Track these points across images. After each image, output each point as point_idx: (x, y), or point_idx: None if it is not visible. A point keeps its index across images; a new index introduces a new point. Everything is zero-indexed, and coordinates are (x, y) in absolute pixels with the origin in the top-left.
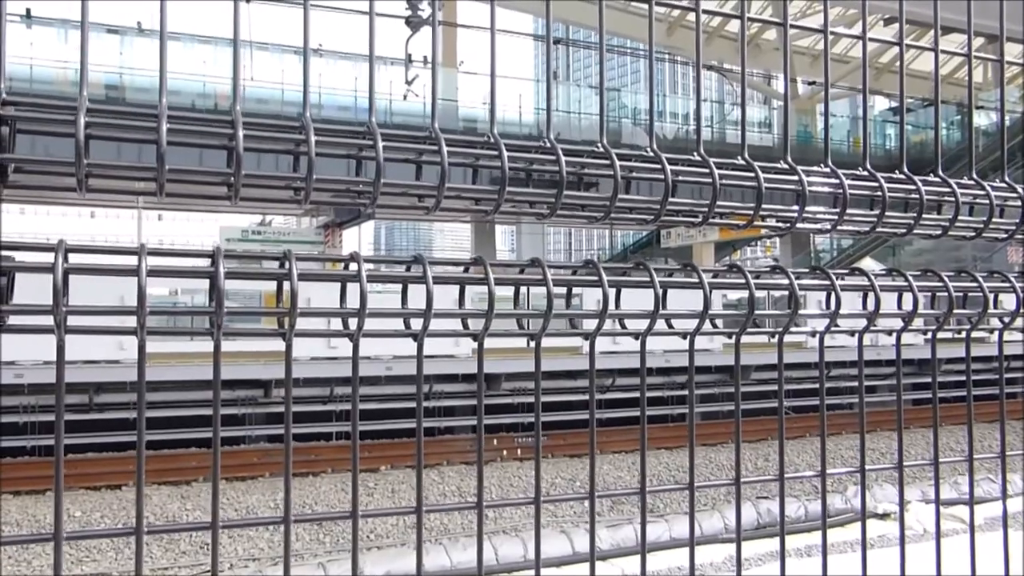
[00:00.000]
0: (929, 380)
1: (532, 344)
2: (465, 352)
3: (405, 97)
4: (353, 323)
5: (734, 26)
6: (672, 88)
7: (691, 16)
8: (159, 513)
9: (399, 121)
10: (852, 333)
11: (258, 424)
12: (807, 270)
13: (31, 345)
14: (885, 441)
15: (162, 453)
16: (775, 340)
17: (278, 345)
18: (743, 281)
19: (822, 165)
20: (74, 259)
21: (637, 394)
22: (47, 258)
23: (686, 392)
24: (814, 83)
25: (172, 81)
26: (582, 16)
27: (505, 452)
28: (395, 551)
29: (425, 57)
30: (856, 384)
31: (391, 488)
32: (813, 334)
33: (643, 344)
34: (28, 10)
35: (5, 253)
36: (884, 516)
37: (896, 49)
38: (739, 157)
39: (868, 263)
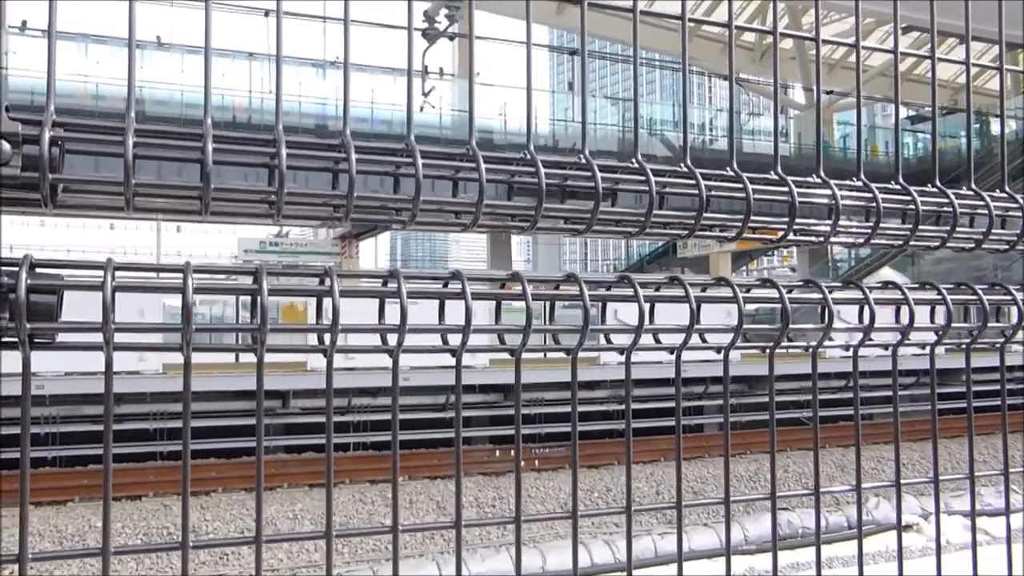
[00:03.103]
0: (950, 390)
1: (569, 356)
2: (482, 363)
3: (422, 109)
4: (391, 339)
5: (749, 35)
6: (689, 98)
7: (707, 26)
8: (178, 523)
9: (415, 132)
10: (886, 347)
11: (276, 435)
12: (840, 284)
13: (52, 357)
14: (906, 452)
15: (181, 463)
16: (800, 351)
17: (296, 356)
18: (776, 295)
19: (854, 179)
20: (120, 276)
21: (653, 404)
22: (89, 274)
23: (703, 403)
24: (831, 92)
25: (189, 94)
26: (597, 27)
27: (523, 462)
28: (414, 561)
29: (441, 69)
30: (876, 394)
31: (409, 499)
32: (847, 348)
33: (678, 359)
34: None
35: (54, 271)
36: (907, 528)
37: (914, 57)
38: (772, 172)
39: (887, 273)
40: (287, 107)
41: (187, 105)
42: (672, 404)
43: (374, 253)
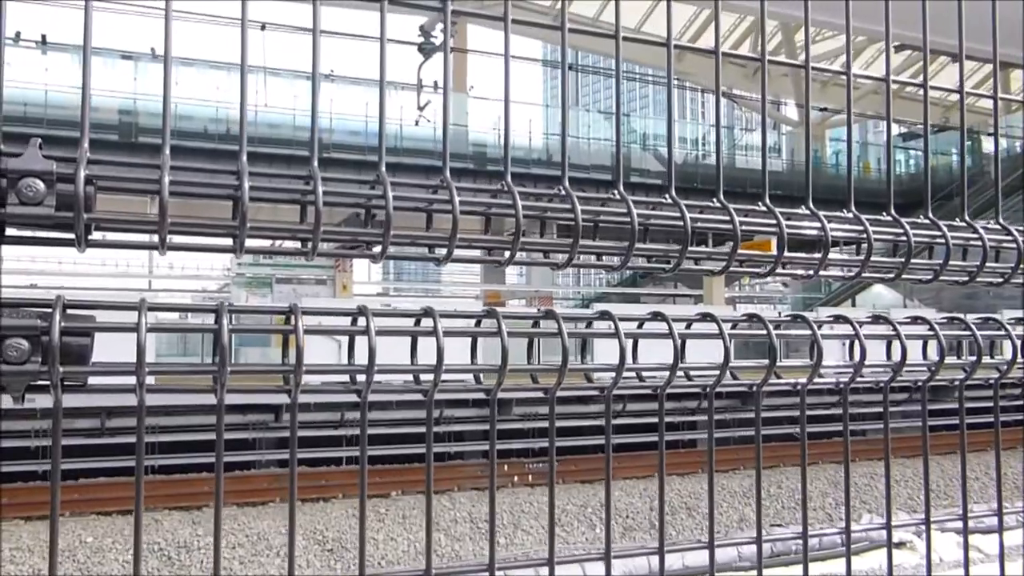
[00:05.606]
0: (944, 407)
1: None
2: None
3: (417, 122)
4: (425, 378)
5: (742, 51)
6: (682, 113)
7: (702, 42)
8: (170, 539)
9: (409, 146)
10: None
11: (268, 449)
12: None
13: None
14: (899, 469)
15: (173, 478)
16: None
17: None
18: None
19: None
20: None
21: (648, 419)
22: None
23: (696, 418)
24: (825, 109)
25: (185, 106)
26: (590, 42)
27: (516, 478)
28: None
29: (435, 82)
30: (869, 410)
31: (402, 514)
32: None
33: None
34: (44, 36)
35: (87, 313)
36: (900, 545)
37: (906, 74)
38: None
39: (880, 288)
40: (280, 120)
41: (181, 117)
42: (670, 419)
43: (367, 266)
